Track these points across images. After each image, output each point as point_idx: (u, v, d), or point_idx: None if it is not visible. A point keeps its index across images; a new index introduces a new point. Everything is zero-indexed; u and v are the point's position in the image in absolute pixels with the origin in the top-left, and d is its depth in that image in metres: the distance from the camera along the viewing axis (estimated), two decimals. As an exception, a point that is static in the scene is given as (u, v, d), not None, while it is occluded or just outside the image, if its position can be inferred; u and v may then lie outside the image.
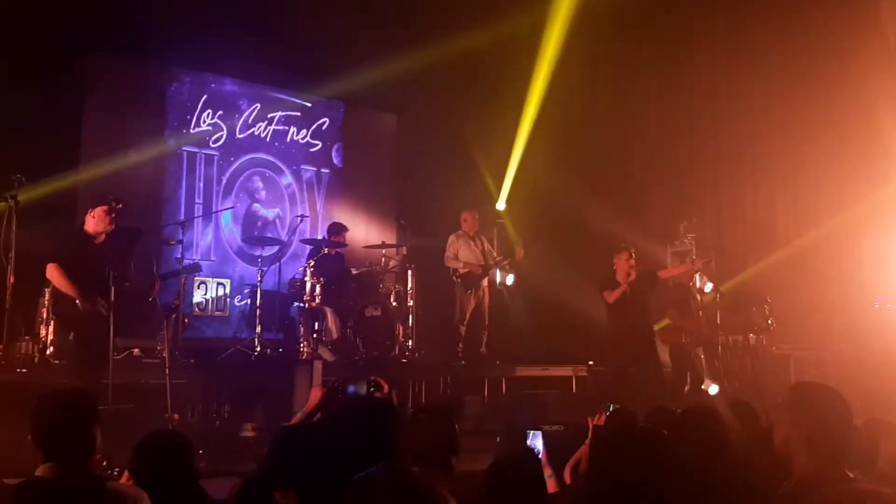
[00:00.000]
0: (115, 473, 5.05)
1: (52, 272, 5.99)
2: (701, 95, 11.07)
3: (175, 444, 3.32)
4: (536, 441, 4.73)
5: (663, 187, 11.28)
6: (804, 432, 2.50)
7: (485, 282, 9.53)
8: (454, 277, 9.41)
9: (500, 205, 11.28)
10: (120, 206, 6.09)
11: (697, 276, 9.19)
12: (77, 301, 5.85)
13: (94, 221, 6.04)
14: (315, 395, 3.86)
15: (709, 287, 9.15)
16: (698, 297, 8.82)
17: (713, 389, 8.74)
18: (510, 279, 10.07)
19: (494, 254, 9.70)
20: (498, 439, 6.06)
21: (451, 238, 9.52)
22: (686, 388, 8.47)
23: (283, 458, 2.86)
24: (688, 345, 8.46)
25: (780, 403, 3.10)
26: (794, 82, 10.19)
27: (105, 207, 6.03)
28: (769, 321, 8.70)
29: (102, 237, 6.06)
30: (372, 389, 3.87)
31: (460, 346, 9.37)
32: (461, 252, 9.43)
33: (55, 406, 2.88)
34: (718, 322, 8.96)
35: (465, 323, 9.41)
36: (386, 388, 3.93)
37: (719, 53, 10.86)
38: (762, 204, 10.75)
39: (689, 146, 11.16)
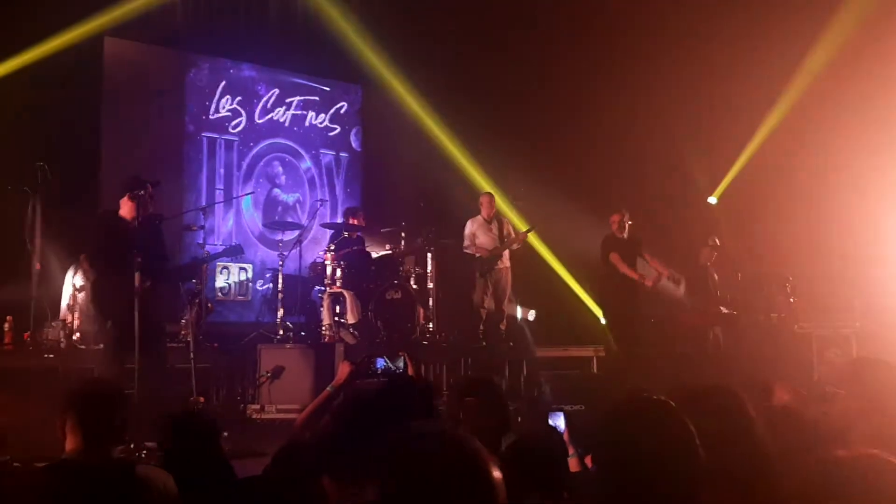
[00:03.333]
0: (144, 456, 5.15)
1: (86, 264, 5.94)
2: (722, 70, 10.95)
3: (202, 423, 3.36)
4: (558, 421, 4.76)
5: (685, 163, 11.21)
6: (863, 405, 2.56)
7: (506, 262, 9.50)
8: (467, 260, 9.43)
9: (520, 187, 11.25)
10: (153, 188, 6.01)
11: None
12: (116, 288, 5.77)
13: (134, 205, 5.86)
14: (343, 370, 3.91)
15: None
16: (715, 276, 8.79)
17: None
18: (532, 315, 10.12)
19: (513, 237, 9.65)
20: (519, 419, 6.08)
21: (469, 222, 9.51)
22: (704, 367, 8.46)
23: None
24: (706, 324, 8.44)
25: (838, 377, 3.15)
26: (817, 59, 10.06)
27: (140, 191, 5.86)
28: (790, 300, 8.66)
29: (140, 220, 5.89)
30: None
31: (481, 328, 9.39)
32: (478, 237, 9.43)
33: (93, 391, 2.96)
34: (739, 301, 8.92)
35: (484, 306, 9.43)
36: (410, 365, 3.98)
37: (743, 25, 10.72)
38: (785, 181, 10.65)
39: (710, 123, 11.05)
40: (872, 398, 2.56)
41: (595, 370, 8.74)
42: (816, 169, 10.25)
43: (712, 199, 10.48)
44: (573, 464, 3.92)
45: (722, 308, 8.80)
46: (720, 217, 10.41)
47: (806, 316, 9.07)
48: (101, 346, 6.10)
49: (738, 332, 8.91)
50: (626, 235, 8.70)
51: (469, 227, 9.47)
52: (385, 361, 3.98)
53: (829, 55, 9.73)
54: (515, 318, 10.05)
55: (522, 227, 9.91)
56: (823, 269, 9.72)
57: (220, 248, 9.11)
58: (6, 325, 6.86)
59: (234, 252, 6.81)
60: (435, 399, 2.94)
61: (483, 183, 10.71)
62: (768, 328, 8.87)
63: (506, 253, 9.42)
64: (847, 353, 8.48)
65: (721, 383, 2.43)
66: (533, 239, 10.05)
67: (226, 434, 5.77)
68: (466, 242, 9.46)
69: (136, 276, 5.42)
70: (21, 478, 2.89)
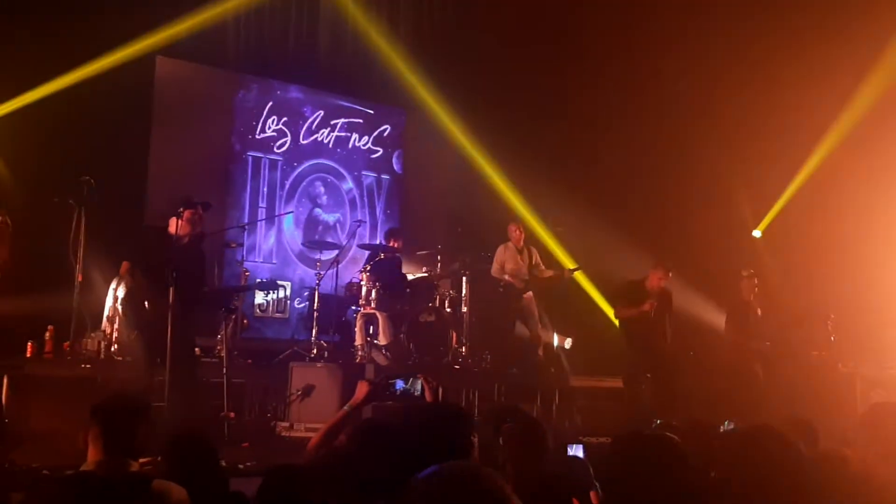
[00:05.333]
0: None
1: (126, 270, 6.11)
2: (769, 103, 10.82)
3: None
4: (577, 453, 4.71)
5: (729, 194, 11.06)
6: (880, 451, 2.50)
7: (529, 293, 9.53)
8: (499, 288, 9.43)
9: (562, 213, 11.22)
10: (204, 210, 6.11)
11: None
12: (146, 302, 5.91)
13: (181, 223, 5.96)
14: (361, 389, 3.91)
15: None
16: (758, 311, 8.63)
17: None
18: (568, 343, 10.07)
19: (542, 266, 9.65)
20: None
21: (500, 249, 9.54)
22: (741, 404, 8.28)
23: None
24: (745, 360, 8.28)
25: (857, 423, 3.08)
26: (866, 93, 9.88)
27: (191, 211, 5.98)
28: (831, 338, 8.46)
29: (186, 240, 6.00)
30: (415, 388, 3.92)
31: (514, 353, 9.37)
32: (507, 264, 9.44)
33: (116, 405, 3.02)
34: (780, 337, 8.74)
35: (513, 331, 9.43)
36: (428, 390, 3.95)
37: (790, 61, 10.58)
38: (831, 216, 10.44)
39: (755, 156, 10.89)
40: (889, 445, 2.49)
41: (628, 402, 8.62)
42: (863, 204, 10.04)
43: (756, 233, 10.33)
44: (594, 495, 3.88)
45: (763, 344, 8.62)
46: (764, 251, 10.24)
47: (849, 355, 8.84)
48: (130, 358, 6.22)
49: (777, 369, 8.71)
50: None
51: (500, 254, 9.49)
52: (403, 383, 3.96)
53: (880, 90, 9.55)
54: (552, 345, 9.99)
55: (568, 264, 9.97)
56: (869, 307, 9.49)
57: (259, 269, 9.29)
58: (47, 335, 7.03)
59: (269, 287, 6.89)
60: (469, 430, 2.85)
61: (522, 210, 10.74)
62: (808, 366, 8.66)
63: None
64: (892, 396, 8.24)
65: (768, 424, 2.39)
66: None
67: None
68: (496, 267, 9.47)
69: (171, 291, 5.51)
70: (41, 487, 2.95)
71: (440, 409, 3.02)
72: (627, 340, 8.24)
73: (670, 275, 8.17)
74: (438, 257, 9.47)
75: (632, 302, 8.12)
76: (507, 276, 9.36)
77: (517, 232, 9.53)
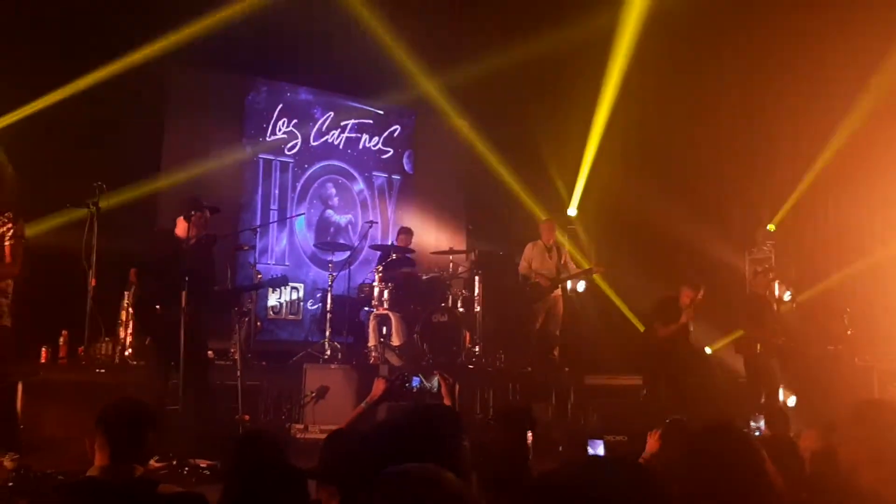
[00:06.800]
0: (186, 472, 5.22)
1: (134, 276, 6.09)
2: (780, 97, 10.72)
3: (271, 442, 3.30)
4: (598, 450, 4.68)
5: (741, 192, 10.97)
6: (869, 450, 2.42)
7: (558, 292, 9.51)
8: (526, 286, 9.42)
9: (572, 210, 11.20)
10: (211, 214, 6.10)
11: (776, 285, 8.96)
12: (157, 306, 5.89)
13: (188, 225, 5.90)
14: (378, 386, 3.92)
15: (787, 296, 8.91)
16: (775, 307, 8.56)
17: (791, 401, 8.49)
18: (581, 286, 10.05)
19: (572, 266, 9.62)
20: (560, 448, 6.00)
21: (528, 246, 9.55)
22: (762, 399, 8.23)
23: (333, 456, 2.92)
24: (762, 355, 8.21)
25: (845, 422, 3.00)
26: (879, 83, 9.76)
27: (199, 214, 5.95)
28: (847, 332, 8.37)
29: (193, 241, 5.95)
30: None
31: (532, 351, 9.36)
32: (535, 262, 9.42)
33: (123, 411, 3.01)
34: (796, 332, 8.66)
35: (535, 330, 9.41)
36: (444, 386, 3.94)
37: (800, 54, 10.48)
38: (845, 209, 10.33)
39: (768, 149, 10.82)
40: (877, 444, 2.39)
41: (643, 399, 8.58)
42: (879, 198, 9.92)
43: (770, 227, 10.25)
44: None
45: (779, 339, 8.54)
46: (778, 244, 10.16)
47: (866, 348, 8.74)
48: (144, 362, 6.22)
49: (794, 364, 8.64)
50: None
51: (528, 251, 9.50)
52: (420, 380, 3.96)
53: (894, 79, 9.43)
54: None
55: (585, 264, 9.95)
56: (888, 300, 9.37)
57: (272, 271, 9.34)
58: (61, 340, 7.06)
59: (279, 283, 6.87)
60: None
61: (535, 208, 10.72)
62: (824, 361, 8.58)
63: None
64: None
65: (731, 421, 2.33)
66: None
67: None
68: (524, 265, 9.47)
69: (183, 295, 5.51)
70: (45, 494, 2.94)
71: (427, 410, 2.96)
72: (650, 345, 8.25)
73: (701, 293, 8.28)
74: (450, 257, 9.40)
75: (669, 319, 8.18)
76: (534, 275, 9.35)
77: (547, 229, 9.51)
